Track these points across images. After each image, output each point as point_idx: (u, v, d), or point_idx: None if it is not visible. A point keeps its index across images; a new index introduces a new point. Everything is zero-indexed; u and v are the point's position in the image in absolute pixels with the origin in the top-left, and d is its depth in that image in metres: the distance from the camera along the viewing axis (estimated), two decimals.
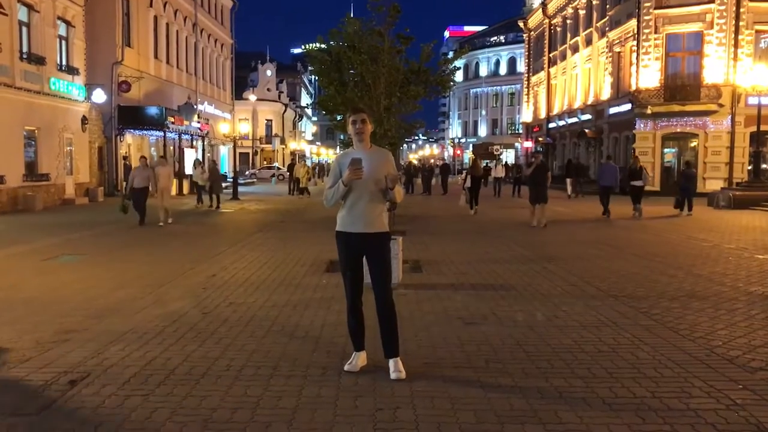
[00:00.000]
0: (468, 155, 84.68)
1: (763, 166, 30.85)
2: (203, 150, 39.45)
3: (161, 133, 31.71)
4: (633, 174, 20.38)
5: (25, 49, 22.74)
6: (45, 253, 11.66)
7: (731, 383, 4.72)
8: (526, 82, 59.87)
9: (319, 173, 55.84)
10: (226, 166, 51.51)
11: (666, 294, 8.08)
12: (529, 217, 16.99)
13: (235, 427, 3.93)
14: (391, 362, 4.86)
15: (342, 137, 21.95)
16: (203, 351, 5.52)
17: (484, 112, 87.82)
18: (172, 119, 31.59)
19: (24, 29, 22.86)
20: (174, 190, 29.11)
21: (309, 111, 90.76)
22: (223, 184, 40.43)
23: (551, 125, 51.21)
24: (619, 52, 37.46)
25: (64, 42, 25.63)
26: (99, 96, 28.16)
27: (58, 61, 25.05)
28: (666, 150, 34.37)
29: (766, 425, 3.96)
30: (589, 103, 42.28)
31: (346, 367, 4.91)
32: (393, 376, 4.79)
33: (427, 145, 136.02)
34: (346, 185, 4.75)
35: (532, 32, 57.56)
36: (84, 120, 27.00)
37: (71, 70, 25.73)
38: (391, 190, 4.81)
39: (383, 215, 4.96)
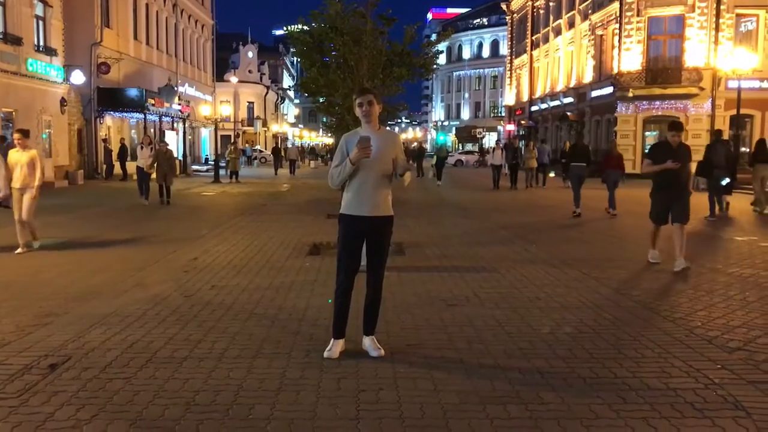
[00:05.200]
0: (451, 138, 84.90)
1: (743, 149, 31.18)
2: (184, 132, 39.12)
3: (141, 116, 31.39)
4: (564, 154, 24.08)
5: (0, 29, 22.32)
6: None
7: (710, 363, 4.78)
8: (509, 65, 59.90)
9: (301, 155, 55.56)
10: (207, 149, 51.10)
11: (646, 276, 8.16)
12: (649, 244, 9.24)
13: (218, 410, 3.92)
14: (368, 341, 4.96)
15: (325, 120, 21.82)
16: (185, 334, 5.50)
17: (467, 95, 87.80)
18: (153, 101, 31.27)
19: (0, 8, 22.43)
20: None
21: (291, 93, 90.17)
22: (203, 167, 40.85)
23: (534, 108, 51.33)
24: (602, 35, 37.54)
25: (41, 22, 25.18)
26: (78, 77, 27.75)
27: (36, 42, 24.63)
28: (647, 133, 34.58)
29: (743, 404, 4.03)
30: (571, 86, 42.40)
31: (325, 354, 4.88)
32: (375, 354, 4.86)
33: (411, 128, 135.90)
34: (353, 164, 4.67)
35: (515, 15, 57.48)
36: (63, 102, 26.62)
37: (49, 51, 25.31)
38: (401, 176, 4.77)
39: (389, 198, 4.92)
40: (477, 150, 61.54)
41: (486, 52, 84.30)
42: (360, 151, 4.60)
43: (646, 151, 16.47)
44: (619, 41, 34.07)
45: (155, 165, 17.73)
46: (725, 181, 14.81)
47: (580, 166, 15.77)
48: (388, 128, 5.20)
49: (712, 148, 15.31)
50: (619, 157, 16.54)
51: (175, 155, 22.84)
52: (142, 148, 18.90)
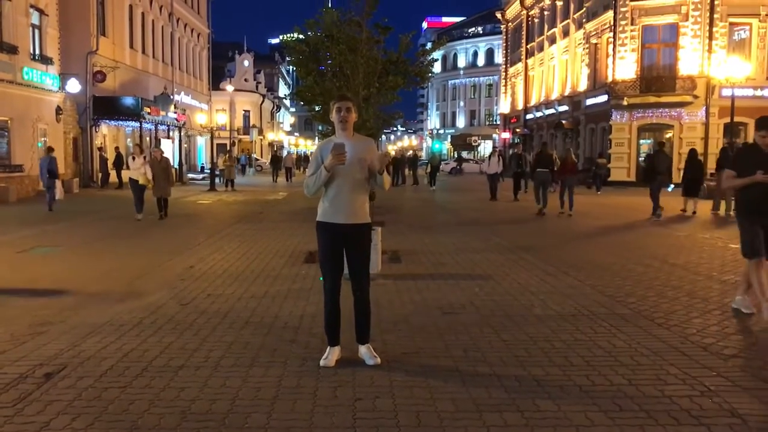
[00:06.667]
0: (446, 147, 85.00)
1: None
2: (180, 140, 39.11)
3: (137, 124, 31.37)
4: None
5: None
6: (19, 246, 11.49)
7: (705, 370, 4.79)
8: (504, 74, 60.02)
9: (297, 163, 55.57)
10: (203, 157, 51.01)
11: (641, 283, 8.17)
12: (741, 288, 6.81)
13: (213, 419, 3.92)
14: (364, 349, 4.94)
15: (320, 128, 21.82)
16: (181, 342, 5.48)
17: (462, 103, 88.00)
18: (148, 110, 31.25)
19: None
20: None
21: (287, 102, 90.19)
22: (198, 176, 40.81)
23: (529, 116, 51.44)
24: (596, 44, 37.69)
25: (37, 31, 25.15)
26: (73, 86, 27.73)
27: (31, 51, 24.60)
28: (642, 141, 34.71)
29: (739, 411, 4.03)
30: (566, 94, 42.51)
31: (321, 363, 4.87)
32: (371, 362, 4.86)
33: (406, 136, 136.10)
34: (328, 170, 4.66)
35: (510, 23, 57.68)
36: (58, 110, 26.58)
37: (45, 60, 25.29)
38: (381, 174, 4.76)
39: (366, 205, 4.93)
40: (455, 158, 61.87)
41: (481, 61, 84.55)
42: (334, 158, 4.60)
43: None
44: (614, 50, 34.20)
45: (152, 176, 15.95)
46: (671, 188, 17.27)
47: (545, 171, 17.73)
48: (362, 135, 5.17)
49: (655, 157, 17.62)
50: (574, 163, 18.75)
51: (171, 162, 22.23)
52: (134, 158, 16.78)
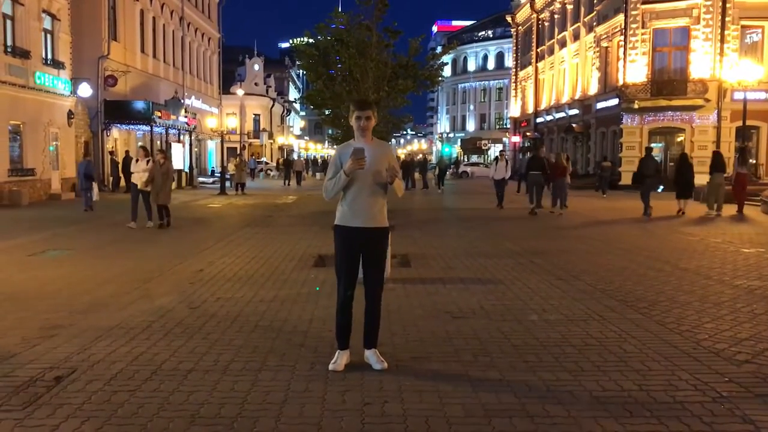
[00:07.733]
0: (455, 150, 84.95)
1: (750, 160, 31.07)
2: (190, 144, 39.27)
3: (148, 128, 31.56)
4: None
5: (9, 43, 22.48)
6: (30, 249, 11.56)
7: (717, 376, 4.75)
8: (514, 77, 59.97)
9: (307, 167, 55.69)
10: (213, 161, 51.20)
11: (653, 287, 8.12)
12: None
13: (222, 422, 3.92)
14: (371, 354, 4.93)
15: (330, 132, 21.85)
16: (190, 346, 5.49)
17: (472, 107, 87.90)
18: (159, 114, 31.42)
19: (8, 22, 22.60)
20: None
21: (297, 106, 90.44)
22: (209, 180, 40.94)
23: (539, 120, 51.34)
24: (607, 47, 37.57)
25: (49, 35, 25.36)
26: (85, 90, 27.92)
27: (44, 55, 24.79)
28: (653, 144, 34.53)
29: (751, 417, 3.99)
30: (576, 97, 42.39)
31: (330, 367, 4.86)
32: (378, 367, 4.85)
33: (416, 140, 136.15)
34: (348, 175, 4.68)
35: (520, 27, 57.61)
36: (70, 114, 26.76)
37: (57, 64, 25.48)
38: (391, 184, 4.78)
39: (384, 209, 4.92)
40: (453, 163, 61.91)
41: (491, 64, 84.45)
42: (354, 162, 4.61)
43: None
44: (624, 53, 34.08)
45: (152, 181, 14.72)
46: (660, 189, 18.38)
47: (537, 174, 18.87)
48: (380, 140, 5.17)
49: (643, 161, 18.80)
50: (564, 167, 19.81)
51: (174, 167, 20.98)
52: (137, 161, 15.42)
